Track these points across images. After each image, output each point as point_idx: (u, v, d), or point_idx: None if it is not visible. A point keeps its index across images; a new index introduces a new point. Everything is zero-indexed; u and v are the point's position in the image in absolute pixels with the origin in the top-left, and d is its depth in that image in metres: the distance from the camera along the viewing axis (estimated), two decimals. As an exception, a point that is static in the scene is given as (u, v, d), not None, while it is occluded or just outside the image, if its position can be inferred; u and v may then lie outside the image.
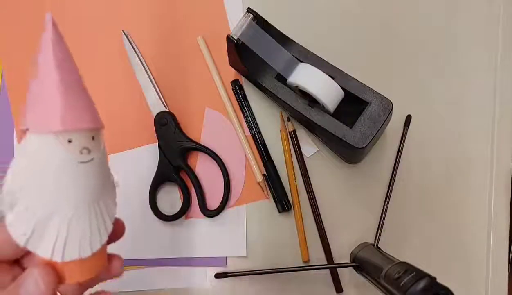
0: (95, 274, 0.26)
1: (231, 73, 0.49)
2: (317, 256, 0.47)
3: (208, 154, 0.47)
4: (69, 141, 0.23)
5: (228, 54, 0.45)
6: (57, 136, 0.23)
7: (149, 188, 0.47)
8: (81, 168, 0.24)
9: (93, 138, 0.24)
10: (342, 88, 0.42)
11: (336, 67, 0.43)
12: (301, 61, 0.43)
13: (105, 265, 0.28)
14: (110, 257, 0.28)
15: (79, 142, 0.24)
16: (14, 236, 0.24)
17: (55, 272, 0.25)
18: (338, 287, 0.46)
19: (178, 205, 0.47)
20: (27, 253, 0.28)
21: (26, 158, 0.24)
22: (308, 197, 0.47)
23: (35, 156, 0.24)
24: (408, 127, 0.47)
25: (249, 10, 0.41)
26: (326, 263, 0.47)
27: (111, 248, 0.29)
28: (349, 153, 0.45)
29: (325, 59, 0.43)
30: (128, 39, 0.49)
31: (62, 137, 0.23)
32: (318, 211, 0.47)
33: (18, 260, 0.28)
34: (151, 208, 0.47)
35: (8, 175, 0.24)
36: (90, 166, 0.24)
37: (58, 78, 0.23)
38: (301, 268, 0.45)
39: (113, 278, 0.29)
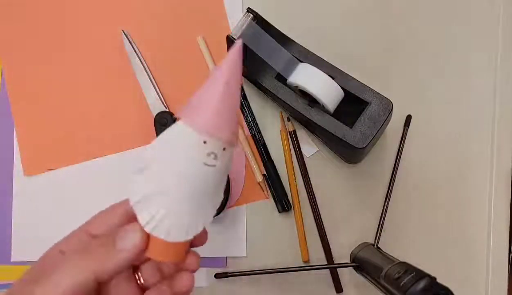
0: (174, 260, 0.29)
1: (231, 73, 0.48)
2: (317, 256, 0.47)
3: (208, 154, 0.47)
4: (204, 142, 0.27)
5: (228, 54, 0.45)
6: (198, 133, 0.26)
7: (149, 188, 0.47)
8: (204, 169, 0.27)
9: (224, 149, 0.27)
10: (342, 88, 0.42)
11: (336, 67, 0.43)
12: (301, 61, 0.43)
13: (184, 258, 0.30)
14: (189, 253, 0.31)
15: (211, 146, 0.27)
16: (132, 194, 0.28)
17: (148, 241, 0.28)
18: (338, 287, 0.46)
19: (178, 205, 0.47)
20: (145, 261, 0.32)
21: (167, 136, 0.28)
22: (308, 197, 0.47)
23: (175, 139, 0.27)
24: (408, 127, 0.47)
25: (249, 10, 0.41)
26: (326, 263, 0.47)
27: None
28: (349, 153, 0.45)
29: (325, 59, 0.43)
30: (128, 39, 0.49)
31: (200, 136, 0.26)
32: (318, 211, 0.47)
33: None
34: (151, 208, 0.47)
35: (149, 146, 0.28)
36: (211, 170, 0.27)
37: (222, 90, 0.27)
38: (301, 268, 0.45)
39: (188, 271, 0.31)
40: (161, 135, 0.28)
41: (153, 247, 0.28)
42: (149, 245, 0.28)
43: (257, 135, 0.48)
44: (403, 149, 0.47)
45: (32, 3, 0.51)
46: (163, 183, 0.27)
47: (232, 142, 0.28)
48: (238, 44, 0.28)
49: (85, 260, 0.27)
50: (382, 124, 0.41)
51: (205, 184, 0.28)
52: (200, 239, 0.31)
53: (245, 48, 0.42)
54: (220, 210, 0.46)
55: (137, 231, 0.27)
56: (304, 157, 0.47)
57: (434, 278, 0.33)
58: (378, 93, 0.41)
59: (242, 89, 0.48)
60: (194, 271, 0.31)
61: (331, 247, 0.47)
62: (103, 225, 0.30)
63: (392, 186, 0.46)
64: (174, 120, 0.48)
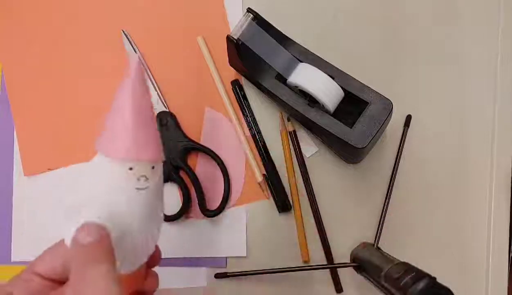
0: (132, 289, 0.28)
1: (231, 73, 0.49)
2: (317, 256, 0.47)
3: (208, 154, 0.47)
4: (130, 168, 0.26)
5: (228, 54, 0.45)
6: (120, 163, 0.26)
7: (149, 188, 0.47)
8: (137, 193, 0.26)
9: (152, 167, 0.27)
10: (342, 88, 0.42)
11: (336, 67, 0.43)
12: (301, 61, 0.43)
13: (143, 282, 0.30)
14: (148, 274, 0.30)
15: (139, 170, 0.26)
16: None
17: None
18: (338, 287, 0.46)
19: (178, 205, 0.47)
20: None
21: (90, 175, 0.27)
22: (308, 197, 0.47)
23: (99, 174, 0.26)
24: (408, 127, 0.47)
25: (249, 10, 0.41)
26: (326, 263, 0.47)
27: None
28: (349, 153, 0.45)
29: (325, 59, 0.43)
30: (128, 39, 0.49)
31: (124, 164, 0.26)
32: (318, 211, 0.47)
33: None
34: (151, 208, 0.47)
35: (73, 190, 0.27)
36: (145, 192, 0.27)
37: (131, 114, 0.26)
38: (301, 268, 0.45)
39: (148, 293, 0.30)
40: (83, 177, 0.27)
41: None
42: None
43: (257, 135, 0.48)
44: (403, 149, 0.47)
45: (32, 3, 0.51)
46: (101, 221, 0.26)
47: (158, 159, 0.27)
48: (136, 58, 0.28)
49: None
50: (382, 124, 0.41)
51: (143, 207, 0.27)
52: (154, 258, 0.30)
53: (245, 48, 0.42)
54: (220, 210, 0.47)
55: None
56: (304, 157, 0.47)
57: (434, 278, 0.33)
58: (378, 93, 0.41)
59: (242, 89, 0.48)
60: (154, 290, 0.30)
61: (331, 247, 0.47)
62: (48, 263, 0.28)
63: (392, 186, 0.46)
64: (174, 120, 0.48)
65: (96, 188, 0.26)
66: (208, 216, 0.47)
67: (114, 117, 0.27)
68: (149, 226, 0.28)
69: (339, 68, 0.42)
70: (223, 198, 0.47)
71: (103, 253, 0.25)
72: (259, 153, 0.48)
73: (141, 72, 0.28)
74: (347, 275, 0.47)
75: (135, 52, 0.49)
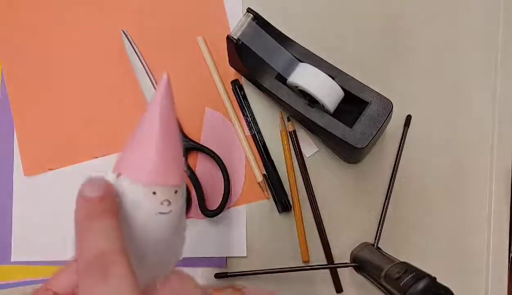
0: None
1: (231, 73, 0.49)
2: (317, 256, 0.47)
3: (208, 154, 0.47)
4: (154, 193, 0.25)
5: (228, 54, 0.45)
6: (144, 187, 0.25)
7: (149, 188, 0.47)
8: (160, 218, 0.26)
9: (175, 192, 0.26)
10: (342, 88, 0.42)
11: (336, 67, 0.43)
12: (301, 61, 0.43)
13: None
14: None
15: (162, 194, 0.26)
16: None
17: None
18: (338, 287, 0.46)
19: (178, 205, 0.47)
20: None
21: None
22: (308, 197, 0.47)
23: (123, 198, 0.26)
24: (408, 127, 0.47)
25: (249, 10, 0.41)
26: (326, 263, 0.47)
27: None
28: (349, 153, 0.45)
29: (325, 59, 0.43)
30: (128, 39, 0.49)
31: (148, 189, 0.25)
32: (318, 211, 0.47)
33: None
34: (151, 208, 0.47)
35: None
36: (167, 217, 0.26)
37: (158, 136, 0.25)
38: (301, 268, 0.45)
39: None
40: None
41: None
42: None
43: (257, 135, 0.48)
44: (403, 149, 0.47)
45: (32, 3, 0.51)
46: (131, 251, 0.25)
47: (181, 183, 0.26)
48: (165, 77, 0.27)
49: None
50: (382, 124, 0.41)
51: (166, 232, 0.26)
52: None
53: (245, 48, 0.42)
54: (220, 210, 0.47)
55: None
56: (304, 156, 0.47)
57: (434, 278, 0.33)
58: (378, 93, 0.41)
59: (242, 89, 0.48)
60: None
61: (331, 247, 0.47)
62: (64, 282, 0.28)
63: (392, 186, 0.46)
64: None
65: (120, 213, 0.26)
66: (208, 216, 0.47)
67: (140, 138, 0.26)
68: (172, 247, 0.28)
69: (339, 68, 0.42)
70: (223, 198, 0.47)
71: (107, 208, 0.24)
72: (259, 152, 0.48)
73: (169, 92, 0.27)
74: (347, 275, 0.47)
75: (135, 52, 0.49)
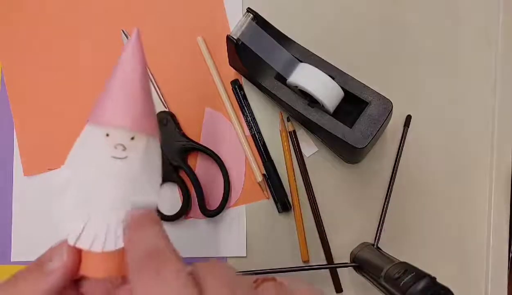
0: (111, 273, 0.26)
1: (231, 73, 0.49)
2: (317, 256, 0.47)
3: (208, 154, 0.47)
4: (107, 135, 0.25)
5: (228, 54, 0.45)
6: (98, 129, 0.25)
7: (149, 188, 0.47)
8: (114, 163, 0.26)
9: (132, 138, 0.26)
10: (342, 88, 0.42)
11: (336, 67, 0.43)
12: (301, 61, 0.43)
13: (125, 270, 0.27)
14: None
15: (115, 138, 0.25)
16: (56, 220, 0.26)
17: (79, 258, 0.25)
18: (338, 287, 0.46)
19: (178, 205, 0.47)
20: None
21: (77, 145, 0.27)
22: (308, 197, 0.47)
23: (82, 143, 0.26)
24: (408, 127, 0.47)
25: (249, 10, 0.41)
26: (326, 263, 0.47)
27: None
28: (349, 153, 0.45)
29: (325, 59, 0.43)
30: (128, 39, 0.49)
31: (102, 130, 0.25)
32: (318, 211, 0.47)
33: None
34: (151, 208, 0.47)
35: (64, 165, 0.27)
36: (124, 163, 0.26)
37: (116, 80, 0.26)
38: (301, 268, 0.45)
39: None
40: (74, 146, 0.27)
41: (86, 263, 0.25)
42: (82, 261, 0.25)
43: (257, 135, 0.48)
44: (403, 149, 0.47)
45: (32, 3, 0.51)
46: (81, 191, 0.26)
47: (139, 129, 0.26)
48: (135, 31, 0.28)
49: (12, 292, 0.24)
50: (382, 124, 0.41)
51: (123, 179, 0.26)
52: None
53: (245, 48, 0.42)
54: (220, 210, 0.47)
55: (63, 248, 0.25)
56: (304, 157, 0.47)
57: (434, 278, 0.33)
58: (378, 93, 0.41)
59: (242, 89, 0.48)
60: None
61: (331, 247, 0.47)
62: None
63: (392, 186, 0.46)
64: (174, 120, 0.48)
65: (80, 158, 0.26)
66: (208, 216, 0.47)
67: (106, 86, 0.27)
68: (132, 201, 0.26)
69: (339, 68, 0.42)
70: (223, 198, 0.47)
71: (154, 218, 0.26)
72: (259, 153, 0.48)
73: (139, 44, 0.28)
74: (347, 275, 0.47)
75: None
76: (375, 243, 0.45)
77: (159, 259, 0.23)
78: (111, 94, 0.26)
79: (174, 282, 0.22)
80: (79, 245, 0.25)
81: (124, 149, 0.26)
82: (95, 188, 0.26)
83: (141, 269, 0.23)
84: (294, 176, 0.47)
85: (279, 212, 0.47)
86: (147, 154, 0.27)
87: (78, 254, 0.25)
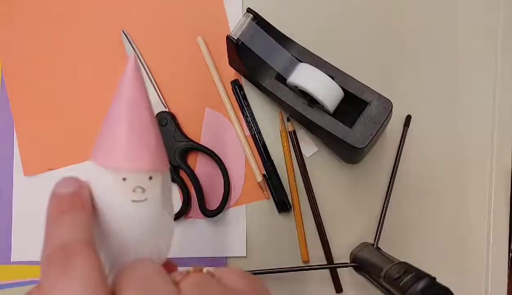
0: None
1: (231, 73, 0.49)
2: (317, 256, 0.47)
3: (208, 154, 0.47)
4: (124, 179, 0.24)
5: (228, 54, 0.45)
6: (114, 173, 0.24)
7: (149, 188, 0.47)
8: (134, 206, 0.24)
9: (150, 178, 0.25)
10: (342, 88, 0.42)
11: (336, 67, 0.43)
12: (301, 61, 0.43)
13: None
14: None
15: (134, 181, 0.24)
16: None
17: None
18: (338, 287, 0.46)
19: (178, 205, 0.47)
20: None
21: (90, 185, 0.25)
22: (308, 197, 0.47)
23: (97, 187, 0.25)
24: (408, 127, 0.47)
25: (249, 10, 0.42)
26: (326, 263, 0.47)
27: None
28: (349, 153, 0.45)
29: (325, 59, 0.43)
30: (128, 39, 0.49)
31: (118, 175, 0.24)
32: (318, 211, 0.47)
33: None
34: (151, 208, 0.47)
35: None
36: (144, 205, 0.25)
37: (125, 120, 0.24)
38: (301, 268, 0.45)
39: None
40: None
41: None
42: None
43: (257, 135, 0.48)
44: (403, 149, 0.47)
45: (32, 3, 0.51)
46: (98, 238, 0.24)
47: (156, 168, 0.25)
48: (132, 58, 0.25)
49: None
50: (382, 124, 0.41)
51: (143, 221, 0.25)
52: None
53: (245, 48, 0.42)
54: (220, 210, 0.47)
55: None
56: (304, 157, 0.47)
57: (434, 278, 0.33)
58: (378, 93, 0.41)
59: (242, 89, 0.48)
60: None
61: (331, 247, 0.47)
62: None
63: (392, 186, 0.46)
64: (174, 120, 0.48)
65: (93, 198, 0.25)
66: (208, 216, 0.47)
67: (109, 123, 0.25)
68: (153, 241, 0.26)
69: (339, 68, 0.42)
70: (223, 198, 0.47)
71: (78, 202, 0.24)
72: (259, 153, 0.48)
73: (138, 72, 0.26)
74: (347, 275, 0.47)
75: (135, 52, 0.49)
76: (375, 243, 0.45)
77: (67, 253, 0.21)
78: (121, 135, 0.24)
79: (83, 280, 0.20)
80: None
81: (143, 190, 0.25)
82: (115, 233, 0.25)
83: (47, 265, 0.22)
84: (294, 176, 0.47)
85: (279, 212, 0.47)
86: (163, 189, 0.26)
87: None
